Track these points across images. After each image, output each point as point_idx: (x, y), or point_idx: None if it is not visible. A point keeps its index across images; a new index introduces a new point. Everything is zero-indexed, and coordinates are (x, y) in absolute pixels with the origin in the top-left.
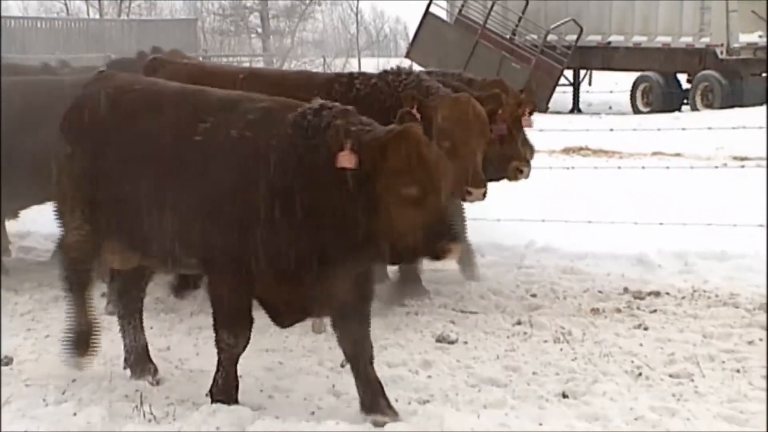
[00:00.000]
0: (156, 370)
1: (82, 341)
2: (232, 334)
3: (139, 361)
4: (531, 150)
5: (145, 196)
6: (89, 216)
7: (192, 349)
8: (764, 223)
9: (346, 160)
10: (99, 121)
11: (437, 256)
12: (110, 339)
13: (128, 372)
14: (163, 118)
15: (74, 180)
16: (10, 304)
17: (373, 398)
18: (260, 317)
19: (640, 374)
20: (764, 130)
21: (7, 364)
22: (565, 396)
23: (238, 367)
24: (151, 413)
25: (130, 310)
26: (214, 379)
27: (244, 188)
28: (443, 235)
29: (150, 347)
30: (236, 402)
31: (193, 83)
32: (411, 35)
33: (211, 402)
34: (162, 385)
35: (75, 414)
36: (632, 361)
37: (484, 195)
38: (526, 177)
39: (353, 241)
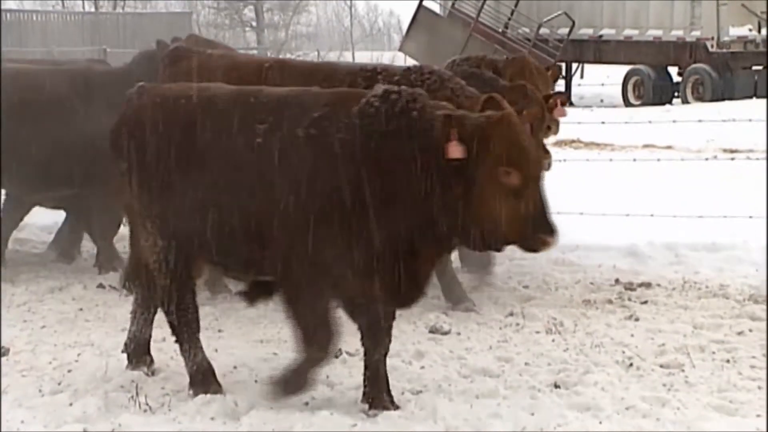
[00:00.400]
0: (152, 362)
1: (209, 376)
2: (318, 345)
3: (138, 351)
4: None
5: (215, 204)
6: (160, 230)
7: None
8: (753, 214)
9: (456, 150)
10: (155, 133)
11: (534, 247)
12: (105, 331)
13: (124, 357)
14: (227, 123)
15: (140, 196)
16: (7, 296)
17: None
18: (254, 309)
19: (631, 365)
20: (753, 122)
21: (3, 354)
22: (556, 386)
23: (231, 358)
24: (147, 403)
25: (148, 303)
26: (284, 377)
27: (325, 187)
28: (542, 225)
29: None
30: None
31: (221, 74)
32: (404, 29)
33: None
34: (157, 375)
35: (71, 404)
36: (623, 352)
37: None
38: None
39: (439, 229)
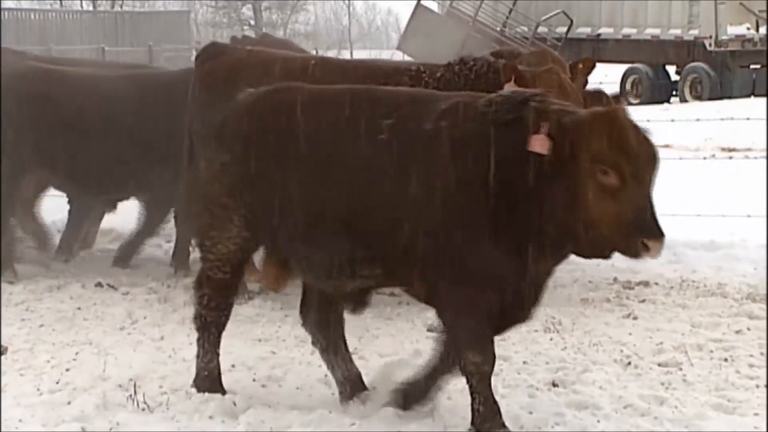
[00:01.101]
0: (386, 402)
1: (215, 381)
2: (478, 352)
3: (357, 390)
4: None
5: (332, 205)
6: (247, 225)
7: (185, 339)
8: (752, 213)
9: (539, 144)
10: (267, 128)
11: (636, 252)
12: (103, 330)
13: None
14: (344, 120)
15: (231, 188)
16: (5, 294)
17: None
18: (253, 308)
19: (629, 363)
20: (752, 121)
21: (1, 353)
22: (555, 385)
23: (229, 357)
24: (145, 402)
25: (333, 339)
26: (473, 410)
27: (457, 189)
28: (646, 229)
29: (143, 337)
30: (503, 426)
31: (263, 70)
32: (403, 27)
33: None
34: (155, 374)
35: (69, 403)
36: (621, 351)
37: None
38: None
39: (555, 234)
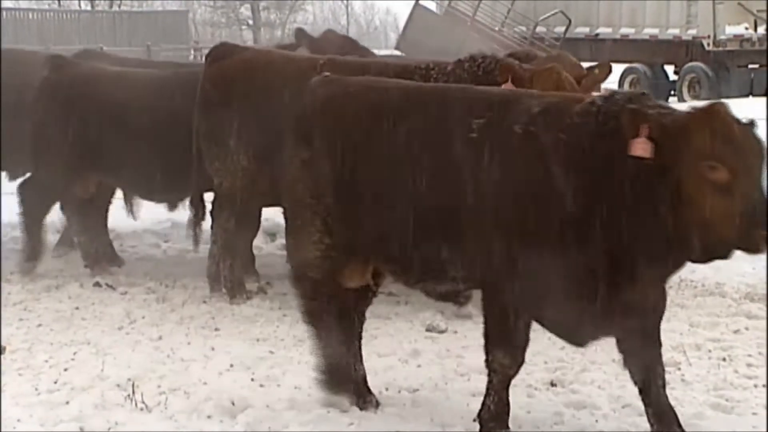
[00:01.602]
0: (377, 403)
1: (335, 377)
2: (508, 354)
3: (360, 392)
4: None
5: (412, 204)
6: (331, 228)
7: (183, 339)
8: None
9: (640, 148)
10: (348, 123)
11: (758, 246)
12: (101, 330)
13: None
14: (427, 118)
15: (313, 188)
16: (3, 294)
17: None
18: (251, 307)
19: None
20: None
21: (0, 353)
22: (553, 384)
23: (227, 357)
24: (143, 402)
25: (350, 336)
26: (484, 404)
27: (540, 191)
28: (764, 221)
29: (141, 336)
30: (508, 428)
31: (275, 71)
32: (401, 27)
33: (480, 429)
34: (153, 373)
35: (67, 402)
36: None
37: None
38: None
39: (662, 240)
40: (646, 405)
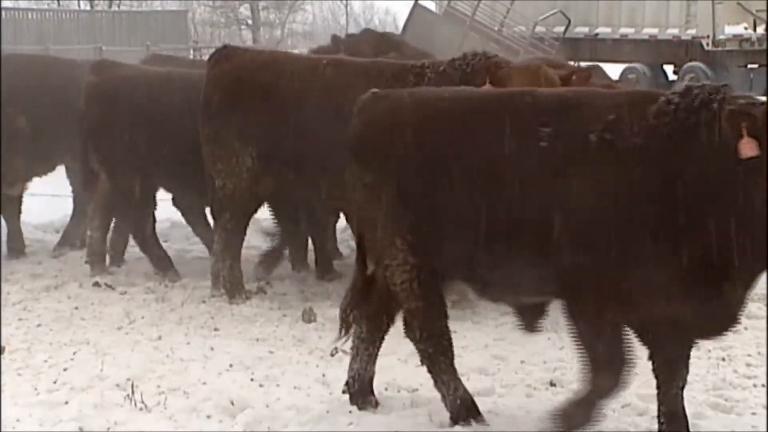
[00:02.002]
0: (377, 403)
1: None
2: (609, 374)
3: (363, 391)
4: None
5: (485, 217)
6: (412, 247)
7: (183, 339)
8: None
9: (749, 147)
10: (409, 140)
11: None
12: (100, 330)
13: (346, 397)
14: (498, 127)
15: (385, 210)
16: (3, 294)
17: None
18: (250, 307)
19: None
20: None
21: None
22: (552, 384)
23: (227, 356)
24: (142, 401)
25: (374, 337)
26: (567, 409)
27: (627, 196)
28: None
29: (141, 336)
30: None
31: (273, 70)
32: (400, 27)
33: None
34: (153, 373)
35: (66, 402)
36: None
37: None
38: None
39: (747, 242)
40: (660, 403)
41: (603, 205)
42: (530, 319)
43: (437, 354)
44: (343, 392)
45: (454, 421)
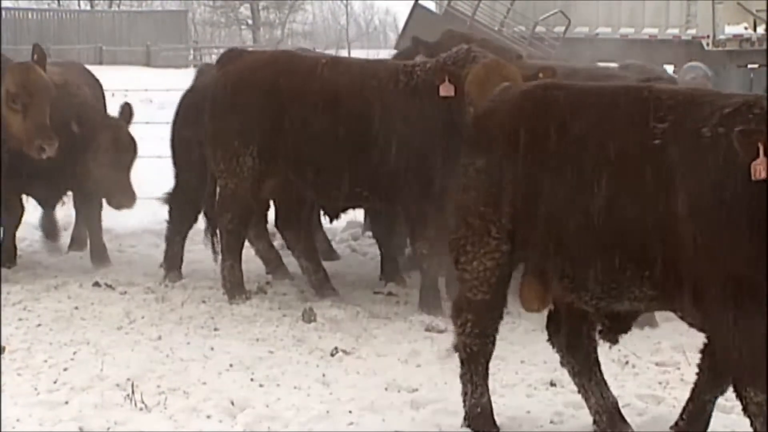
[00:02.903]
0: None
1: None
2: (762, 389)
3: (613, 421)
4: None
5: (603, 217)
6: (509, 237)
7: (183, 339)
8: None
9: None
10: (530, 128)
11: None
12: (100, 330)
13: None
14: (615, 121)
15: (488, 196)
16: (3, 294)
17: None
18: (249, 307)
19: (626, 363)
20: None
21: None
22: (552, 384)
23: (227, 356)
24: (143, 401)
25: (588, 365)
26: None
27: (747, 202)
28: None
29: (140, 336)
30: None
31: (276, 70)
32: (400, 27)
33: None
34: (153, 373)
35: (66, 402)
36: (619, 350)
37: None
38: None
39: None
40: (691, 400)
41: (702, 210)
42: (619, 327)
43: (478, 354)
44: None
45: (467, 424)
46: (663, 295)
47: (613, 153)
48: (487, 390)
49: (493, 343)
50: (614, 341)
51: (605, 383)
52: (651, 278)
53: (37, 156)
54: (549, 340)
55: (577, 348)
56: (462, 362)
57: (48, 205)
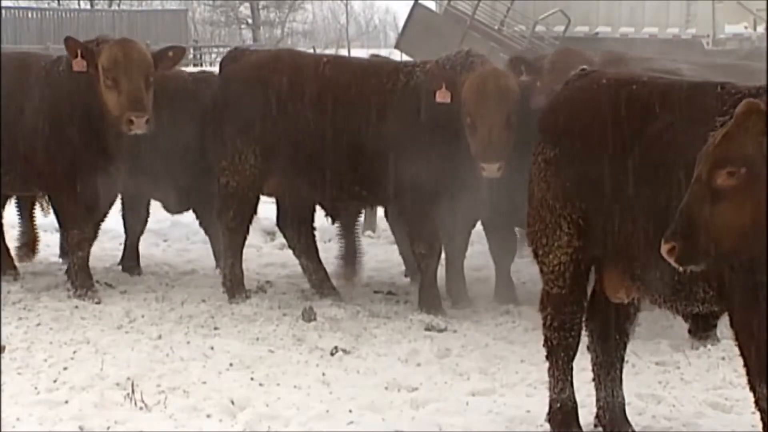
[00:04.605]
0: None
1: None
2: None
3: (615, 421)
4: None
5: (662, 211)
6: (580, 233)
7: (183, 338)
8: None
9: None
10: (603, 120)
11: None
12: (100, 329)
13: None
14: (684, 115)
15: (558, 189)
16: (3, 293)
17: None
18: (249, 306)
19: (626, 362)
20: None
21: None
22: None
23: (227, 356)
24: (142, 400)
25: (612, 359)
26: None
27: None
28: None
29: (140, 335)
30: None
31: (279, 69)
32: (400, 26)
33: None
34: (153, 372)
35: (66, 401)
36: None
37: (499, 170)
38: None
39: None
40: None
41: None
42: (702, 328)
43: (559, 348)
44: (595, 426)
45: (547, 418)
46: (719, 298)
47: (690, 152)
48: (570, 386)
49: (575, 338)
50: (703, 340)
51: (621, 382)
52: (708, 279)
53: (126, 131)
54: (585, 321)
55: (606, 339)
56: (547, 356)
57: (172, 211)
